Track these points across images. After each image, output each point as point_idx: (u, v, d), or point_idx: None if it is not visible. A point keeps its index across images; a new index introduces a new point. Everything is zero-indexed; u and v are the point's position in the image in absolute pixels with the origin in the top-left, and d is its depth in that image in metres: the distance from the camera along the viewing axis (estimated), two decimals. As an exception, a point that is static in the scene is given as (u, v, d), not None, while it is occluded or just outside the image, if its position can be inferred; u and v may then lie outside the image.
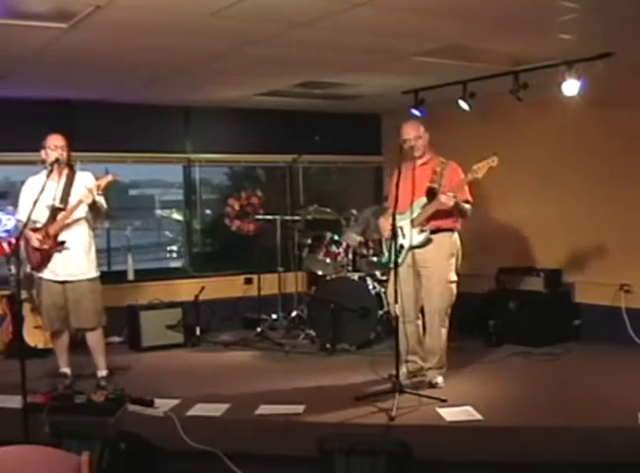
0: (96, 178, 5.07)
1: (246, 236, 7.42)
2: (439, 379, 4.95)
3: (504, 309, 6.42)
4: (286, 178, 7.97)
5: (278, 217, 7.16)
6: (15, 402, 4.26)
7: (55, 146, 4.98)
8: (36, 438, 3.75)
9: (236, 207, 7.35)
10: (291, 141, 7.63)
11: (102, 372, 5.21)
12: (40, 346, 6.00)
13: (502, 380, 5.19)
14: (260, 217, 7.29)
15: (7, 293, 6.19)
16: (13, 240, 5.81)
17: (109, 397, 4.46)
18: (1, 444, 2.46)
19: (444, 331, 5.00)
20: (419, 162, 5.00)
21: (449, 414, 4.28)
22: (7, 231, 6.25)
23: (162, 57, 5.13)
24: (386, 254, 5.18)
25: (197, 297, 6.82)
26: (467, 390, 4.87)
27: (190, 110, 7.43)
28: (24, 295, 5.86)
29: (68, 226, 4.99)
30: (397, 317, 4.62)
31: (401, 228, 4.89)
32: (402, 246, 4.89)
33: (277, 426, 4.28)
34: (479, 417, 4.23)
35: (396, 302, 4.58)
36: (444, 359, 5.04)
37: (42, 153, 5.04)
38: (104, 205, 5.10)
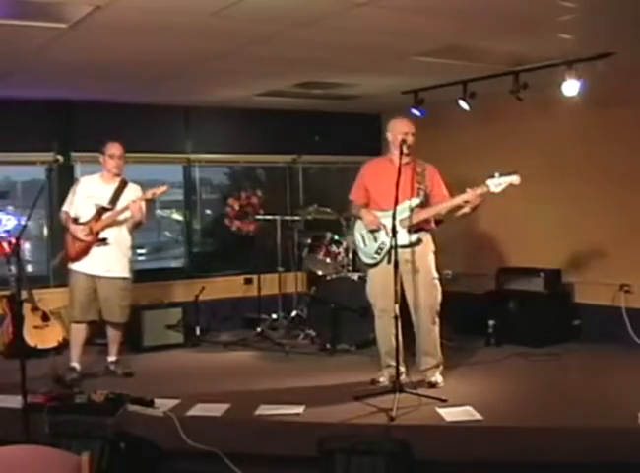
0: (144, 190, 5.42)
1: (246, 236, 7.42)
2: (439, 379, 4.95)
3: (504, 309, 6.42)
4: (286, 178, 7.98)
5: (278, 217, 7.16)
6: (15, 402, 4.26)
7: (113, 154, 5.37)
8: (36, 438, 3.75)
9: (236, 207, 7.34)
10: (291, 141, 7.63)
11: (113, 358, 5.54)
12: (40, 346, 6.00)
13: (502, 380, 5.19)
14: (260, 217, 7.29)
15: (7, 293, 6.19)
16: (13, 240, 5.81)
17: (109, 397, 4.45)
18: (1, 444, 2.46)
19: (437, 330, 4.98)
20: (405, 159, 4.89)
21: (449, 414, 4.28)
22: (7, 231, 6.25)
23: (162, 57, 5.14)
24: (364, 250, 5.07)
25: (197, 297, 6.83)
26: (467, 390, 4.86)
27: (190, 110, 7.43)
28: (24, 295, 5.88)
29: (111, 225, 5.30)
30: (396, 317, 4.61)
31: (384, 225, 4.88)
32: (384, 244, 4.87)
33: (277, 426, 4.28)
34: (478, 417, 4.23)
35: (396, 302, 4.57)
36: (440, 356, 5.03)
37: (100, 158, 5.42)
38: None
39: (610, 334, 6.10)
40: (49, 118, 6.65)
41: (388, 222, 4.72)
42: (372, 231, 4.98)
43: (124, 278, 5.40)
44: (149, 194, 5.29)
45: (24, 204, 6.87)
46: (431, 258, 4.98)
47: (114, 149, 5.38)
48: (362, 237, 5.07)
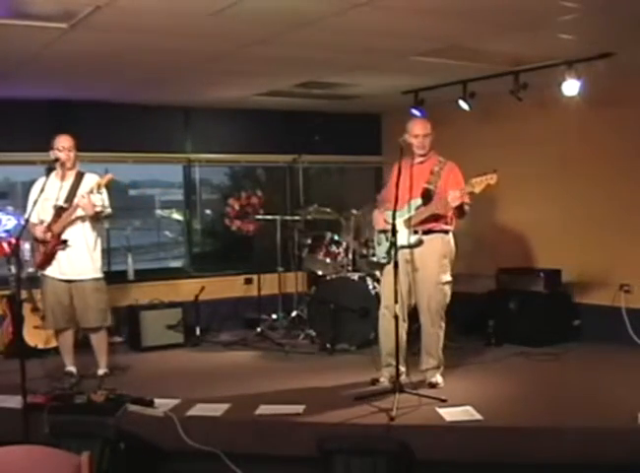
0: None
1: (246, 236, 7.42)
2: (439, 380, 4.95)
3: (504, 309, 6.42)
4: (286, 178, 7.98)
5: (278, 217, 7.17)
6: (15, 402, 4.27)
7: (63, 147, 5.10)
8: (36, 438, 3.75)
9: (236, 207, 7.34)
10: (291, 141, 7.63)
11: (101, 371, 5.31)
12: (40, 346, 6.01)
13: (502, 380, 5.19)
14: (260, 217, 7.29)
15: (7, 293, 6.19)
16: (13, 240, 5.82)
17: (109, 397, 4.46)
18: (1, 444, 2.46)
19: (439, 332, 4.96)
20: (419, 159, 4.98)
21: (449, 414, 4.28)
22: (7, 231, 6.25)
23: (162, 57, 5.14)
24: (378, 249, 5.15)
25: (197, 297, 6.83)
26: (467, 390, 4.86)
27: (190, 110, 7.43)
28: (24, 295, 5.88)
29: (72, 225, 5.08)
30: (397, 317, 4.61)
31: (394, 225, 4.88)
32: (392, 244, 4.88)
33: (277, 426, 4.28)
34: (478, 417, 4.23)
35: (396, 301, 4.57)
36: (442, 358, 5.02)
37: (51, 153, 5.15)
38: (108, 209, 5.19)
39: (610, 334, 6.10)
40: (49, 118, 6.64)
41: (397, 222, 4.75)
42: (384, 231, 5.01)
43: (95, 279, 5.18)
44: (94, 186, 4.94)
45: (24, 204, 6.87)
46: (438, 261, 4.90)
47: (62, 142, 5.11)
48: (378, 238, 5.17)
